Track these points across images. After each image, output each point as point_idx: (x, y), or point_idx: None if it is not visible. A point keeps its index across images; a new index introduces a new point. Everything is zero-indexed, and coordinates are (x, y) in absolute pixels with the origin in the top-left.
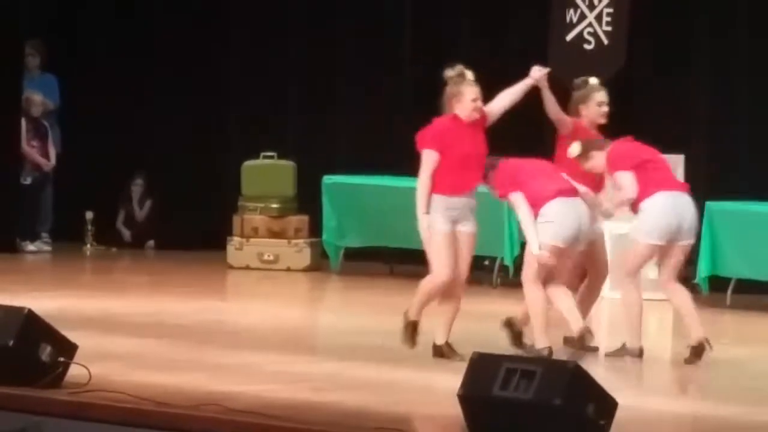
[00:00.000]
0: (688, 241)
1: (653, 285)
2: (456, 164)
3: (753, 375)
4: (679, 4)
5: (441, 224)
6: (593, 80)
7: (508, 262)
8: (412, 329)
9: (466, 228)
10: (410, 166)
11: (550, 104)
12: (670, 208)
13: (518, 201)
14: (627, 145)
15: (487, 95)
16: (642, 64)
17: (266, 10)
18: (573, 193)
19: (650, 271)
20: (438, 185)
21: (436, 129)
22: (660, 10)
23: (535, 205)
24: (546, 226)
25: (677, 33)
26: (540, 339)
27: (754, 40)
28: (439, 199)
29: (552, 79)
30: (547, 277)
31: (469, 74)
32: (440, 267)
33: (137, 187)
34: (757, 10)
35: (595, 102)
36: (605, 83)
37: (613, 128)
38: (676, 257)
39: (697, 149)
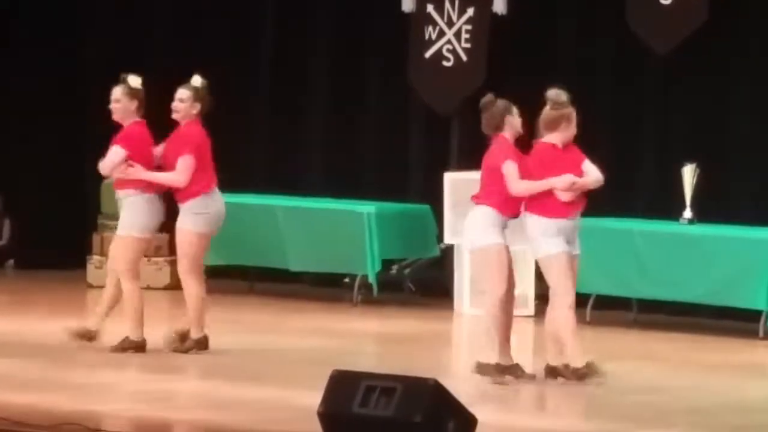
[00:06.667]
0: None
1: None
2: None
3: (615, 391)
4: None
5: None
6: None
7: (371, 279)
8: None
9: None
10: (269, 184)
11: None
12: None
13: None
14: None
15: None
16: (503, 79)
17: (123, 29)
18: None
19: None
20: None
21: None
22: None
23: None
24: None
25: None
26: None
27: (618, 58)
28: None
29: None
30: None
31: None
32: None
33: None
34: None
35: (518, 113)
36: (465, 101)
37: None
38: None
39: None
